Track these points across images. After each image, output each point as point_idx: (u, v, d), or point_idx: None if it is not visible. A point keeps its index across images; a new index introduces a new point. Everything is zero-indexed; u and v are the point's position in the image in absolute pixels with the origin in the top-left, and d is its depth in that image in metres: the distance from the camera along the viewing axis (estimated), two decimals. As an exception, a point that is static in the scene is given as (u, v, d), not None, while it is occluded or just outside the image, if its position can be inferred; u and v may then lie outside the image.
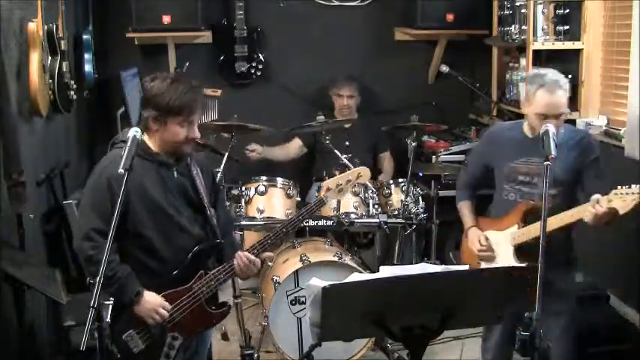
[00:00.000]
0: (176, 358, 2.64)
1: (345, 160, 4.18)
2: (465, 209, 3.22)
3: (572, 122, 4.52)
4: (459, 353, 3.95)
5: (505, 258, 2.97)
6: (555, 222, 2.75)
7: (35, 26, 3.39)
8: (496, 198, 3.14)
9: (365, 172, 3.10)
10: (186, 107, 2.57)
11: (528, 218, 2.92)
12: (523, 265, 2.25)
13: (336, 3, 5.27)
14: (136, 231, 2.58)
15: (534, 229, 2.84)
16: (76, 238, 2.61)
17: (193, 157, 2.77)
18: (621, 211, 2.62)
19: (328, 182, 3.05)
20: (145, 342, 2.58)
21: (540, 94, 2.86)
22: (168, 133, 2.60)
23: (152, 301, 2.56)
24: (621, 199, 2.61)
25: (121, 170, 2.29)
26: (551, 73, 2.92)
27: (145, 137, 2.64)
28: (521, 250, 2.93)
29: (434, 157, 4.95)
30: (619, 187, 2.65)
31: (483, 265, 3.09)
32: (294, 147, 4.99)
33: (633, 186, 2.61)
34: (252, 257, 2.73)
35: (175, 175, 2.67)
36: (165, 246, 2.62)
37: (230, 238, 2.95)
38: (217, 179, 2.90)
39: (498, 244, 3.03)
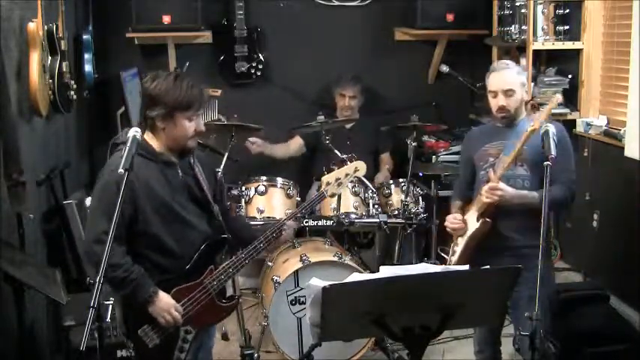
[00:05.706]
0: (189, 351, 2.70)
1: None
2: (453, 207, 3.38)
3: (572, 122, 4.53)
4: (458, 353, 3.95)
5: (471, 225, 3.18)
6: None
7: (35, 26, 3.39)
8: (476, 183, 3.31)
9: (361, 165, 3.22)
10: (195, 101, 2.62)
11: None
12: (519, 266, 2.26)
13: (336, 3, 5.26)
14: (146, 231, 2.61)
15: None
16: (86, 241, 2.63)
17: (195, 154, 2.80)
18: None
19: (327, 177, 3.15)
20: (160, 337, 2.62)
21: (491, 76, 3.16)
22: (177, 129, 2.63)
23: (167, 301, 2.60)
24: None
25: (120, 170, 2.32)
26: (504, 62, 3.22)
27: (148, 137, 2.66)
28: (483, 214, 3.13)
29: (434, 157, 4.95)
30: None
31: (459, 240, 3.25)
32: (296, 145, 4.97)
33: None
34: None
35: (179, 174, 2.71)
36: (175, 244, 2.66)
37: (243, 222, 3.14)
38: (219, 176, 2.96)
39: (471, 218, 3.20)
